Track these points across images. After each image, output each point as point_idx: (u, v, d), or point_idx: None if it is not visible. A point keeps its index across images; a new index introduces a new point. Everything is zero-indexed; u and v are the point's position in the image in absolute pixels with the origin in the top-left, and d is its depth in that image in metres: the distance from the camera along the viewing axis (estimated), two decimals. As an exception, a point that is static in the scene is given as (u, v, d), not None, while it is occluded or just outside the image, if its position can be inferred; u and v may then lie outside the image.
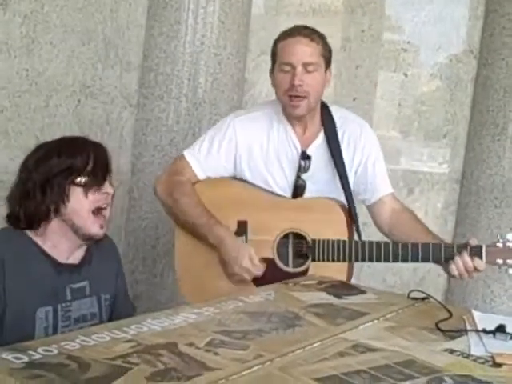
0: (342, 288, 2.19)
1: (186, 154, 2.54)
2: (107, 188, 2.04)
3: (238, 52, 3.47)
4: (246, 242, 2.44)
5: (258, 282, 2.38)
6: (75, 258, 2.07)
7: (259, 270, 2.39)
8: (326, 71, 2.45)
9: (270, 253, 2.42)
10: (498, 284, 3.91)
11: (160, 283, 3.33)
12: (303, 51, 2.38)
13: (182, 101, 3.33)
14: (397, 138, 4.29)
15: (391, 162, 4.20)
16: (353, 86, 4.06)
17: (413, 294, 2.13)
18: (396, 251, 2.35)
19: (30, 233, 2.02)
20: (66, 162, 1.99)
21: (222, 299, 1.91)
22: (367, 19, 4.16)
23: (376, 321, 1.85)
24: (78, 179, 1.99)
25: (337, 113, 2.54)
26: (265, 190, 2.50)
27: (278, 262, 2.43)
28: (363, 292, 2.18)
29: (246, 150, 2.50)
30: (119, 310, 2.17)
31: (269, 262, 2.42)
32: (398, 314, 1.95)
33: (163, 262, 3.31)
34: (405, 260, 2.36)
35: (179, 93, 3.33)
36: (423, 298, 2.12)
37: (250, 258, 2.38)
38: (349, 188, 2.49)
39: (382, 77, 4.27)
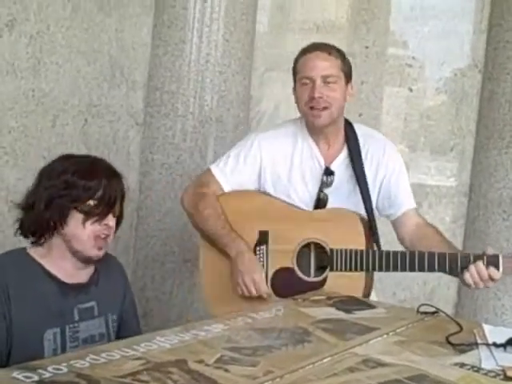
0: (351, 303, 2.18)
1: (213, 167, 2.60)
2: (109, 220, 2.02)
3: (242, 69, 3.48)
4: (267, 251, 2.48)
5: (278, 290, 2.43)
6: (82, 277, 2.07)
7: (265, 290, 2.42)
8: (346, 85, 2.49)
9: (290, 262, 2.45)
10: (508, 297, 3.89)
11: (169, 300, 3.33)
12: (322, 64, 2.44)
13: (188, 119, 3.34)
14: (403, 152, 4.28)
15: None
16: (358, 102, 4.07)
17: (422, 308, 2.12)
18: (413, 260, 2.35)
19: (34, 254, 2.02)
20: (77, 183, 1.98)
21: (231, 316, 1.91)
22: (371, 35, 4.18)
23: (386, 335, 1.84)
24: (81, 207, 1.98)
25: (360, 130, 2.58)
26: (286, 202, 2.54)
27: (297, 271, 2.45)
28: (372, 307, 2.17)
29: (270, 164, 2.54)
30: (128, 331, 2.15)
31: (288, 272, 2.44)
32: (408, 329, 1.94)
33: (172, 279, 3.31)
34: (421, 269, 2.36)
35: (185, 111, 3.35)
36: (433, 312, 2.11)
37: (261, 276, 2.41)
38: (370, 202, 2.52)
39: (387, 92, 4.28)
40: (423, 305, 2.14)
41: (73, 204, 1.98)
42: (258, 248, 2.48)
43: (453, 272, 2.37)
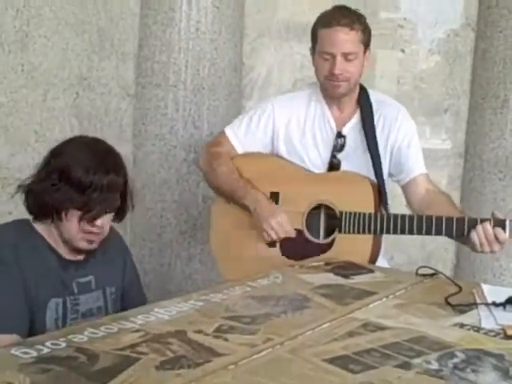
0: (350, 268, 2.18)
1: (227, 129, 2.65)
2: (102, 221, 1.99)
3: (233, 36, 3.44)
4: None
5: (287, 250, 2.45)
6: (79, 255, 2.06)
7: (288, 232, 2.43)
8: (365, 53, 2.49)
9: (299, 224, 2.46)
10: (507, 258, 3.90)
11: (168, 272, 3.33)
12: (342, 42, 2.41)
13: (180, 88, 3.31)
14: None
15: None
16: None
17: (421, 271, 2.13)
18: (420, 223, 2.35)
19: (39, 227, 2.02)
20: (83, 180, 1.93)
21: (228, 285, 1.91)
22: (363, -2, 4.12)
23: (385, 299, 1.84)
24: (79, 208, 1.95)
25: (374, 96, 2.59)
26: (298, 165, 2.56)
27: (306, 233, 2.46)
28: (371, 271, 2.17)
29: (283, 126, 2.57)
30: (133, 300, 2.15)
31: (298, 233, 2.46)
32: (407, 291, 1.94)
33: (170, 251, 3.31)
34: (428, 233, 2.35)
35: (177, 80, 3.31)
36: (432, 274, 2.12)
37: (281, 219, 2.43)
38: (380, 168, 2.52)
39: (379, 55, 4.23)
40: (422, 267, 2.14)
41: (73, 205, 1.95)
42: None
43: (460, 236, 2.36)
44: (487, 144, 4.00)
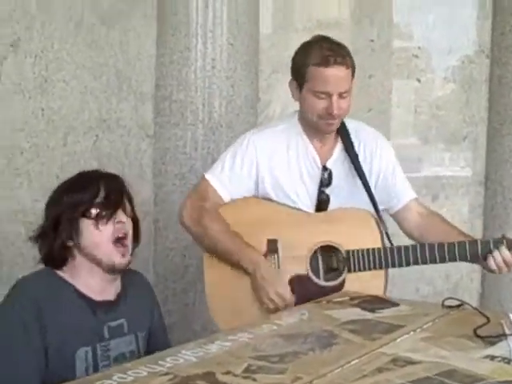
0: (375, 302, 2.16)
1: (208, 176, 2.52)
2: (120, 217, 2.03)
3: (249, 73, 3.46)
4: (279, 260, 2.41)
5: (297, 298, 2.36)
6: (109, 294, 2.07)
7: (289, 304, 2.35)
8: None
9: (304, 269, 2.40)
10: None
11: (192, 312, 3.31)
12: (340, 81, 2.36)
13: (198, 127, 3.33)
14: (416, 145, 4.26)
15: (412, 170, 4.17)
16: (367, 97, 4.05)
17: (447, 302, 2.11)
18: (432, 252, 2.33)
19: (62, 273, 2.02)
20: (76, 197, 2.00)
21: (255, 324, 1.90)
22: (375, 28, 4.15)
23: (413, 332, 1.83)
24: (88, 212, 1.99)
25: (350, 124, 2.54)
26: (290, 207, 2.48)
27: (312, 277, 2.41)
28: (396, 304, 2.15)
29: (266, 167, 2.48)
30: (157, 348, 2.15)
31: (304, 278, 2.40)
32: (435, 324, 1.93)
33: (194, 290, 3.30)
34: (442, 260, 2.34)
35: (195, 119, 3.33)
36: (458, 306, 2.10)
37: (285, 287, 2.36)
38: (373, 196, 2.48)
39: (395, 85, 4.26)
40: (448, 298, 2.12)
41: (79, 212, 1.99)
42: (268, 258, 2.41)
43: (473, 259, 2.35)
44: (508, 170, 4.00)
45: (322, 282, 2.41)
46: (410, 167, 4.17)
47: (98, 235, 1.99)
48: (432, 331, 1.84)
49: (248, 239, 2.41)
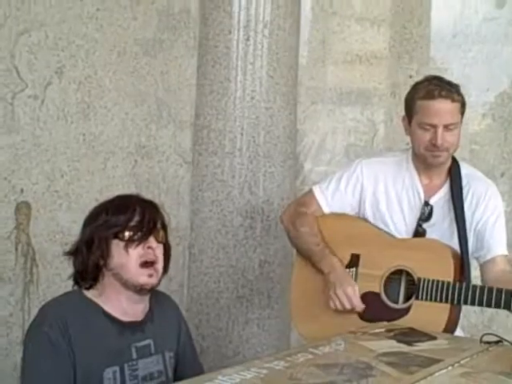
0: (412, 335, 2.14)
1: (315, 189, 2.67)
2: (151, 242, 2.04)
3: (288, 104, 3.48)
4: (357, 273, 2.51)
5: (364, 315, 2.44)
6: (137, 315, 2.08)
7: (354, 305, 2.43)
8: (461, 122, 2.49)
9: (377, 287, 2.46)
10: None
11: (225, 337, 3.31)
12: (445, 113, 2.41)
13: (236, 155, 3.35)
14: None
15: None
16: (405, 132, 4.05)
17: (485, 338, 2.08)
18: (499, 297, 2.31)
19: (90, 294, 2.05)
20: (111, 218, 2.03)
21: (291, 352, 1.89)
22: (415, 64, 4.17)
23: (450, 367, 1.80)
24: (120, 234, 2.01)
25: (465, 170, 2.57)
26: (382, 230, 2.56)
27: (383, 297, 2.44)
28: (434, 338, 2.13)
29: (371, 189, 2.58)
30: (187, 366, 2.16)
31: (374, 297, 2.45)
32: (473, 359, 1.90)
33: (227, 315, 3.30)
34: (507, 307, 2.31)
35: (233, 148, 3.36)
36: (497, 342, 2.07)
37: (353, 290, 2.44)
38: (466, 241, 2.49)
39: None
40: (486, 334, 2.09)
41: (112, 233, 2.01)
42: (348, 270, 2.51)
43: None
44: (545, 207, 3.95)
45: (390, 303, 2.44)
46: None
47: (126, 257, 2.01)
48: (470, 367, 1.82)
49: (335, 248, 2.54)
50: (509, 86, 4.30)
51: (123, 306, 2.05)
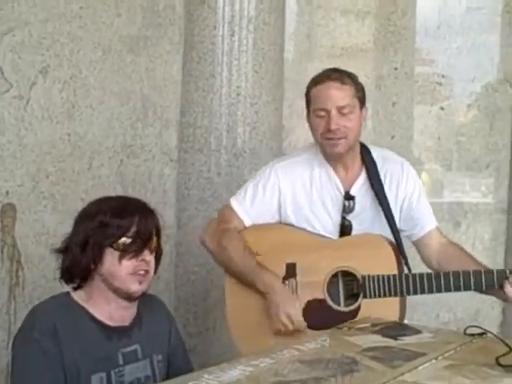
0: (397, 329, 2.16)
1: (232, 201, 2.58)
2: (145, 256, 2.03)
3: (273, 100, 3.49)
4: (296, 284, 2.44)
5: (312, 323, 2.38)
6: (124, 319, 2.08)
7: (298, 326, 2.37)
8: (361, 110, 2.47)
9: (321, 293, 2.42)
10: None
11: (213, 336, 3.32)
12: (335, 96, 2.40)
13: (221, 153, 3.36)
14: (439, 171, 4.27)
15: (435, 196, 4.17)
16: (390, 124, 4.06)
17: (469, 330, 2.10)
18: (448, 281, 2.34)
19: (77, 298, 2.04)
20: (109, 222, 2.00)
21: (276, 348, 1.91)
22: (399, 56, 4.18)
23: (435, 360, 1.82)
24: (115, 244, 2.00)
25: (376, 152, 2.56)
26: (310, 232, 2.51)
27: (329, 302, 2.42)
28: (418, 332, 2.15)
29: (289, 194, 2.52)
30: (179, 367, 2.16)
31: (320, 303, 2.42)
32: (457, 352, 1.92)
33: (215, 314, 3.31)
34: (457, 289, 2.34)
35: (219, 145, 3.37)
36: (481, 334, 2.09)
37: (295, 309, 2.38)
38: (395, 225, 2.50)
39: (418, 112, 4.27)
40: (470, 326, 2.11)
41: (107, 241, 2.00)
42: (286, 281, 2.44)
43: (490, 289, 2.34)
44: (532, 198, 3.98)
45: (337, 307, 2.42)
46: (432, 193, 4.18)
47: (118, 267, 2.01)
48: (454, 359, 1.84)
49: (267, 262, 2.45)
50: (494, 76, 4.32)
51: (111, 312, 2.04)
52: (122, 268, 2.00)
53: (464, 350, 1.95)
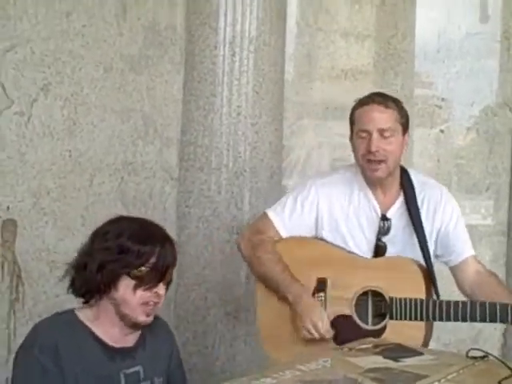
0: (398, 350, 2.14)
1: (269, 212, 2.64)
2: (159, 289, 2.02)
3: (274, 120, 3.50)
4: (325, 298, 2.49)
5: (337, 338, 2.42)
6: (128, 341, 2.06)
7: (328, 332, 2.42)
8: (403, 135, 2.51)
9: (349, 310, 2.45)
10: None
11: (212, 354, 3.31)
12: (378, 118, 2.44)
13: (222, 171, 3.36)
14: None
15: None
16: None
17: (471, 353, 2.08)
18: (474, 310, 2.34)
19: (82, 317, 2.02)
20: (131, 249, 1.98)
21: (278, 368, 1.89)
22: (399, 79, 4.20)
23: (437, 383, 1.81)
24: (133, 272, 1.98)
25: (416, 177, 2.59)
26: (344, 249, 2.56)
27: (355, 319, 2.45)
28: (420, 353, 2.13)
29: (327, 211, 2.57)
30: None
31: (347, 319, 2.45)
32: (459, 375, 1.90)
33: (214, 332, 3.30)
34: (482, 320, 2.35)
35: (219, 163, 3.37)
36: (483, 356, 2.07)
37: (321, 318, 2.42)
38: (427, 250, 2.52)
39: (418, 134, 4.28)
40: (472, 349, 2.10)
41: (125, 269, 1.98)
42: (316, 295, 2.49)
43: None
44: (531, 221, 3.98)
45: (364, 325, 2.44)
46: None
47: (131, 296, 1.99)
48: (456, 382, 1.82)
49: (299, 275, 2.50)
50: (493, 100, 4.34)
51: (115, 334, 2.03)
52: (134, 297, 1.99)
53: (466, 373, 1.93)
